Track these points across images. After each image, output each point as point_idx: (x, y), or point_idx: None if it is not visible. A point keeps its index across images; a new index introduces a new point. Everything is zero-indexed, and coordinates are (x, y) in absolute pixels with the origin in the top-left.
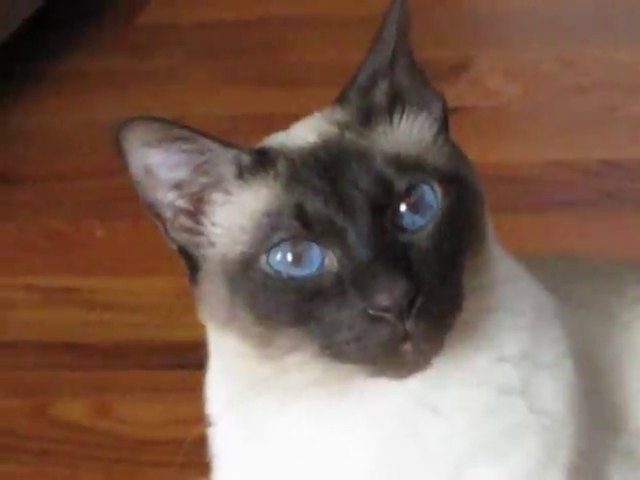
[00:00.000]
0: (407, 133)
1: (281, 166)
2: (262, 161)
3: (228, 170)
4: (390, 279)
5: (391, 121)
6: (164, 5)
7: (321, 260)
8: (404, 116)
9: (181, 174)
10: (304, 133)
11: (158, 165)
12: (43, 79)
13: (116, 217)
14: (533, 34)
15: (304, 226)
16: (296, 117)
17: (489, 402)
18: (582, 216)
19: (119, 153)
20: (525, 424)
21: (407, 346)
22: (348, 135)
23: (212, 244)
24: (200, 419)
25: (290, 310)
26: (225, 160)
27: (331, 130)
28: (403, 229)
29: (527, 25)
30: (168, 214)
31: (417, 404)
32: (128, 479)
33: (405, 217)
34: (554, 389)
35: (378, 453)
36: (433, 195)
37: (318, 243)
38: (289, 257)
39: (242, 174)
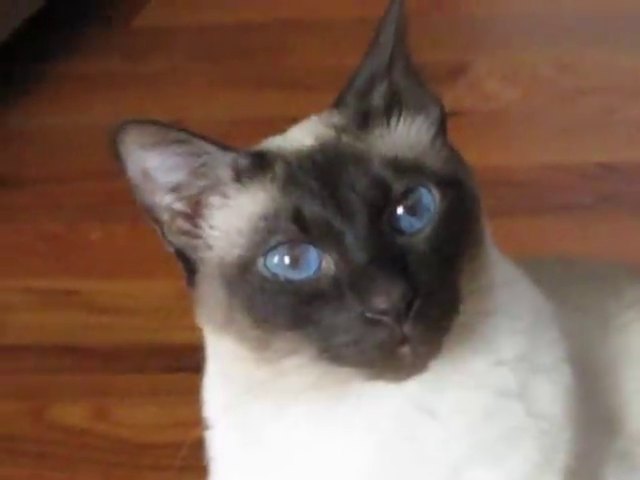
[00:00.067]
0: (404, 136)
1: (278, 169)
2: (260, 164)
3: (225, 173)
4: (388, 282)
5: (388, 124)
6: (163, 7)
7: (318, 263)
8: (401, 119)
9: (178, 177)
10: (301, 136)
11: (155, 168)
12: (42, 80)
13: (114, 220)
14: (531, 38)
15: (301, 229)
16: (296, 121)
17: (487, 405)
18: (580, 219)
19: (116, 156)
20: (522, 428)
21: (405, 349)
22: (345, 138)
23: (209, 247)
24: (199, 422)
25: (287, 313)
26: (222, 163)
27: (328, 133)
28: (401, 232)
29: (525, 29)
30: (165, 217)
31: (415, 407)
32: None
33: (402, 220)
34: (551, 393)
35: (376, 456)
36: (430, 198)
37: (315, 246)
38: (286, 260)
39: (239, 177)
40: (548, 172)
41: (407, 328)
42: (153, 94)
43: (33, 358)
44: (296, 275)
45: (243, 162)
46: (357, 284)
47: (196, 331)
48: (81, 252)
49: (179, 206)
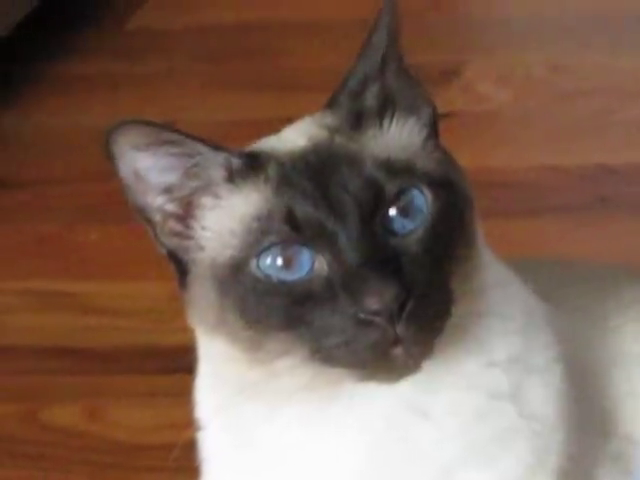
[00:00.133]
0: (397, 137)
1: (271, 170)
2: (253, 165)
3: (218, 174)
4: (380, 283)
5: (381, 125)
6: (160, 8)
7: (311, 264)
8: (394, 120)
9: (171, 178)
10: (294, 137)
11: (148, 169)
12: (39, 81)
13: (111, 221)
14: (524, 39)
15: (294, 230)
16: (291, 122)
17: (479, 406)
18: (576, 221)
19: (109, 157)
20: (515, 429)
21: (397, 350)
22: (338, 139)
23: (201, 248)
24: (193, 423)
25: (280, 314)
26: (215, 163)
27: (321, 134)
28: (393, 233)
29: (519, 30)
30: (157, 218)
31: (407, 408)
32: None
33: (395, 221)
34: (544, 394)
35: (368, 457)
36: (423, 199)
37: (308, 247)
38: (279, 261)
39: (232, 178)
40: (545, 173)
41: (400, 329)
42: (150, 95)
43: (28, 359)
44: (289, 276)
45: (236, 162)
46: (350, 285)
47: (192, 332)
48: (79, 253)
49: (171, 207)
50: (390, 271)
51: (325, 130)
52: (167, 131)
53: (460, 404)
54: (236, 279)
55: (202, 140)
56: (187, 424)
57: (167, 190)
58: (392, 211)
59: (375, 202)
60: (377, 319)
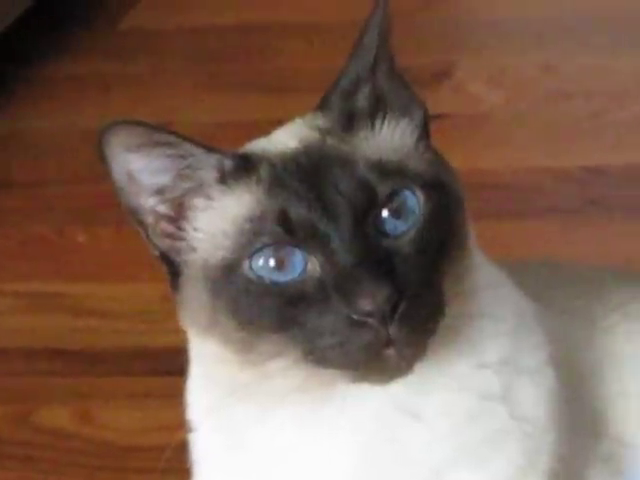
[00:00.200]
0: (388, 139)
1: (264, 171)
2: (245, 166)
3: (210, 175)
4: (373, 284)
5: (373, 127)
6: (152, 9)
7: (304, 265)
8: (386, 122)
9: (163, 179)
10: (285, 139)
11: (140, 170)
12: (30, 82)
13: (102, 223)
14: (516, 41)
15: (287, 231)
16: (282, 124)
17: (470, 408)
18: (566, 223)
19: (102, 158)
20: (506, 430)
21: (390, 351)
22: (330, 141)
23: (193, 249)
24: (183, 425)
25: (273, 315)
26: (207, 165)
27: (312, 136)
28: (385, 234)
29: (510, 31)
30: (150, 219)
31: (399, 409)
32: None
33: (387, 222)
34: (535, 395)
35: (360, 458)
36: (415, 201)
37: (301, 248)
38: (272, 262)
39: (224, 179)
40: (534, 175)
41: (392, 330)
42: (142, 95)
43: (19, 361)
44: (281, 277)
45: (228, 164)
46: (342, 286)
47: (182, 334)
48: (69, 255)
49: (163, 208)
50: (382, 272)
51: (316, 132)
52: (160, 132)
53: (451, 405)
54: (228, 280)
55: (195, 141)
56: (178, 426)
57: (159, 191)
58: (384, 212)
59: (367, 203)
60: (370, 320)
